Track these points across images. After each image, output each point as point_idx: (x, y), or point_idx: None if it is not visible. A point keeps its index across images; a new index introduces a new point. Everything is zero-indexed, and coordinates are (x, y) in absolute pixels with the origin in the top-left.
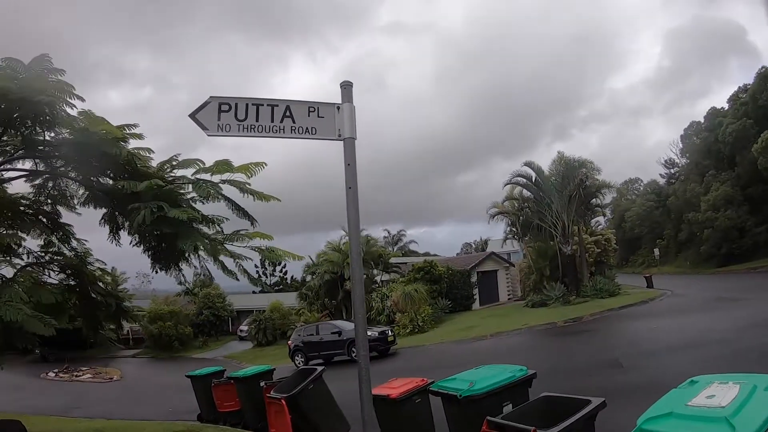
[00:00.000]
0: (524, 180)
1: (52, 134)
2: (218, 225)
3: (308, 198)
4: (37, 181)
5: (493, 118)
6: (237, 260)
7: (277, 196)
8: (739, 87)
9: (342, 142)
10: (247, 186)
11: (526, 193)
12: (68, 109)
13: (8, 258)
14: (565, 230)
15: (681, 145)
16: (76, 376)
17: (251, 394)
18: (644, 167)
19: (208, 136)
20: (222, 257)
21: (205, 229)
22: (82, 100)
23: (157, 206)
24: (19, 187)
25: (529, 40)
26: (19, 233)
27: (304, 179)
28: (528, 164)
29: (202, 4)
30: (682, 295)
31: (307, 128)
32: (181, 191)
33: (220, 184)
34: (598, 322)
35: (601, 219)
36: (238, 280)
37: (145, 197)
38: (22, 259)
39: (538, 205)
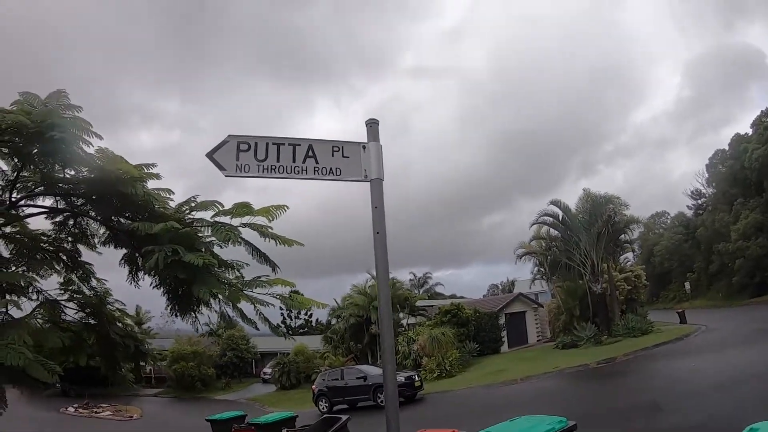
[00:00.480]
0: (551, 219)
1: (72, 172)
2: (238, 270)
3: (334, 240)
4: (57, 219)
5: (518, 158)
6: (257, 308)
7: (302, 239)
8: (762, 111)
9: (368, 183)
10: (269, 230)
11: (553, 232)
12: (85, 147)
13: (18, 298)
14: (594, 268)
15: (707, 175)
16: (96, 412)
17: None
18: (671, 199)
19: (226, 176)
20: (243, 303)
21: (225, 274)
22: (100, 137)
23: (171, 250)
24: (40, 224)
25: (552, 77)
26: (34, 273)
27: (329, 220)
28: (554, 203)
29: (230, 50)
30: (717, 330)
31: (331, 169)
32: (200, 234)
33: (239, 228)
34: (632, 362)
35: (629, 255)
36: (257, 329)
37: (162, 239)
38: (31, 300)
39: (565, 244)
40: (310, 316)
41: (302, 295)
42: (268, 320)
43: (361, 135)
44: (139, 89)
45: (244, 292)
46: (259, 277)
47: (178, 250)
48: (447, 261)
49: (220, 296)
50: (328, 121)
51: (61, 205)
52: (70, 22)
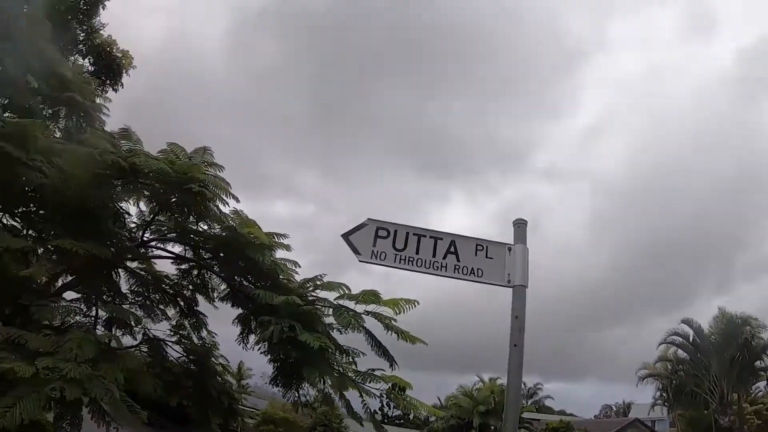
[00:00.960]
0: (680, 339)
1: (204, 226)
2: (352, 358)
3: (446, 335)
4: (183, 267)
5: (648, 268)
6: (365, 400)
7: (415, 328)
8: None
9: (511, 289)
10: (393, 323)
11: (681, 354)
12: (221, 206)
13: (122, 335)
14: (723, 398)
15: None
16: None
17: None
18: None
19: (360, 261)
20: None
21: (338, 358)
22: (237, 200)
23: (289, 326)
24: (165, 267)
25: (689, 182)
26: (146, 314)
27: (445, 312)
28: (686, 321)
29: (373, 137)
30: None
31: (472, 269)
32: (321, 314)
33: (363, 315)
34: None
35: (762, 384)
36: (362, 425)
37: (281, 312)
38: (135, 339)
39: (694, 369)
40: (431, 413)
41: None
42: (374, 416)
43: (493, 232)
44: (282, 161)
45: (357, 383)
46: (374, 370)
47: (295, 327)
48: (560, 373)
49: (329, 381)
50: (463, 213)
51: (188, 254)
52: (226, 87)
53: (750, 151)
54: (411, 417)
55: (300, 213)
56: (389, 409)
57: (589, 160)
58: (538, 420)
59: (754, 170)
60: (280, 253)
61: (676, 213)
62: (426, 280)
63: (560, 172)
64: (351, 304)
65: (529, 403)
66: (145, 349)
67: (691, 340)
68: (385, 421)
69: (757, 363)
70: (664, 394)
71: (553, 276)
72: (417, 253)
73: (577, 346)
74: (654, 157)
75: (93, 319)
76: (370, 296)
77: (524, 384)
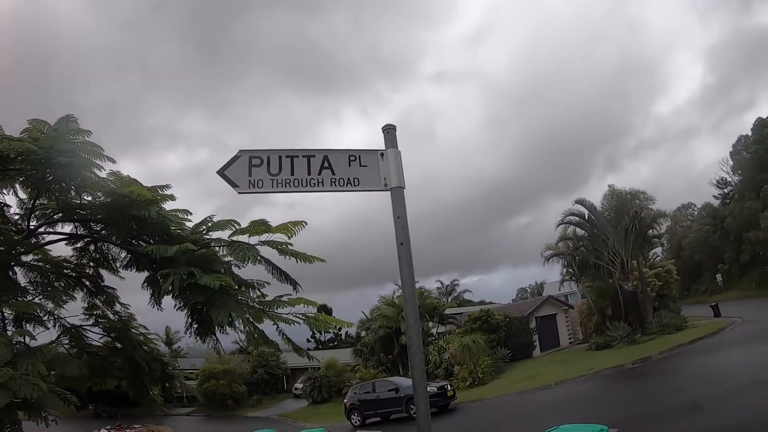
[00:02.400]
0: (577, 218)
1: (88, 197)
2: (259, 290)
3: (360, 252)
4: (78, 245)
5: (544, 159)
6: (279, 328)
7: (329, 253)
8: None
9: (389, 192)
10: (288, 247)
11: (580, 231)
12: (97, 171)
13: (34, 328)
14: (624, 266)
15: (731, 162)
16: None
17: None
18: (698, 190)
19: (239, 193)
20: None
21: (247, 294)
22: (113, 161)
23: (187, 272)
24: (61, 251)
25: (574, 76)
26: (54, 302)
27: (356, 232)
28: (580, 202)
29: (254, 66)
30: (753, 321)
31: (348, 179)
32: (218, 255)
33: (257, 246)
34: (668, 360)
35: (658, 250)
36: (280, 351)
37: (179, 261)
38: (48, 329)
39: (593, 243)
40: (340, 329)
41: (322, 312)
42: (291, 340)
43: (382, 146)
44: (163, 110)
45: (266, 312)
46: (281, 296)
47: (194, 272)
48: (475, 267)
49: (240, 318)
50: (357, 128)
51: (81, 231)
52: (90, 43)
53: (632, 41)
54: (343, 337)
55: (194, 160)
56: (320, 334)
57: (477, 63)
58: (461, 313)
59: (636, 59)
60: (169, 206)
61: (566, 105)
62: (331, 205)
63: (449, 77)
64: (245, 239)
65: (449, 299)
66: (66, 341)
67: (586, 218)
68: (320, 346)
69: (650, 232)
70: (570, 270)
71: (455, 178)
72: (292, 174)
73: (488, 239)
74: (541, 55)
75: (0, 321)
76: (260, 226)
77: (441, 282)
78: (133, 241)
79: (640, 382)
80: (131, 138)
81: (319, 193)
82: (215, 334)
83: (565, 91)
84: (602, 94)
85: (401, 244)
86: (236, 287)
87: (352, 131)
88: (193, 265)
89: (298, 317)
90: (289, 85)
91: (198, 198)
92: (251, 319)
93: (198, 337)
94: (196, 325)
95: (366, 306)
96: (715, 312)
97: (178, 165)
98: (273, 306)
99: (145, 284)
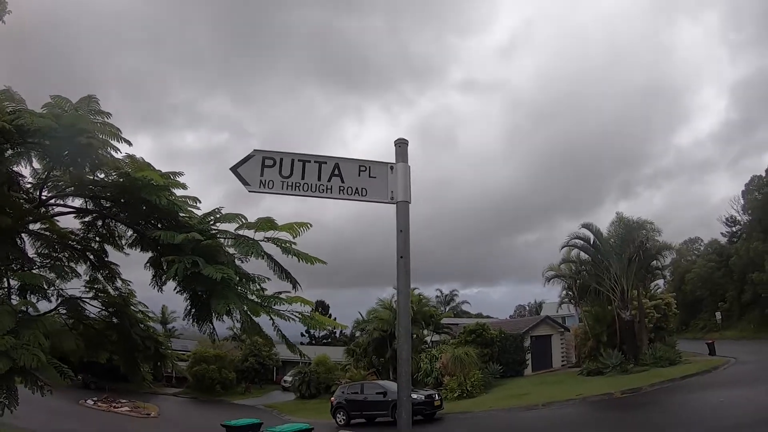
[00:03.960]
0: (582, 242)
1: (101, 175)
2: (259, 284)
3: (364, 251)
4: (86, 219)
5: (559, 176)
6: (275, 324)
7: (333, 249)
8: None
9: (395, 205)
10: (291, 246)
11: (583, 255)
12: (113, 153)
13: (37, 300)
14: (624, 295)
15: (743, 201)
16: (114, 407)
17: None
18: (708, 224)
19: (249, 192)
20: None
21: (247, 286)
22: (129, 144)
23: (191, 262)
24: (69, 223)
25: (597, 96)
26: (58, 274)
27: (361, 231)
28: (586, 226)
29: (284, 56)
30: (747, 363)
31: (356, 189)
32: (223, 247)
33: (261, 242)
34: (658, 393)
35: (660, 282)
36: (274, 346)
37: (184, 249)
38: (50, 302)
39: (596, 269)
40: (334, 328)
41: (319, 309)
42: (285, 336)
43: (409, 145)
44: (188, 89)
45: (263, 306)
46: (279, 293)
47: (198, 262)
48: (476, 278)
49: (238, 310)
50: (379, 128)
51: (90, 206)
52: (119, 16)
53: (659, 68)
54: (337, 335)
55: (213, 142)
56: (315, 330)
57: (505, 74)
58: (456, 324)
59: (661, 87)
60: (180, 192)
61: (586, 125)
62: (340, 203)
63: (476, 86)
64: (251, 234)
65: (447, 309)
66: (63, 311)
67: (591, 242)
68: (313, 342)
69: (654, 263)
70: (570, 293)
71: (469, 187)
72: (303, 178)
73: (493, 252)
74: (568, 72)
75: (5, 290)
76: (266, 223)
77: (441, 291)
78: (141, 222)
79: (626, 413)
80: (152, 113)
81: (327, 199)
82: (212, 322)
83: (588, 111)
84: (624, 117)
85: (401, 257)
86: (237, 279)
87: (373, 129)
88: (197, 255)
89: (294, 315)
90: (316, 79)
91: (212, 180)
92: (248, 312)
93: (195, 324)
94: (194, 312)
95: (364, 306)
96: (711, 350)
97: (197, 145)
98: (271, 301)
99: (148, 264)
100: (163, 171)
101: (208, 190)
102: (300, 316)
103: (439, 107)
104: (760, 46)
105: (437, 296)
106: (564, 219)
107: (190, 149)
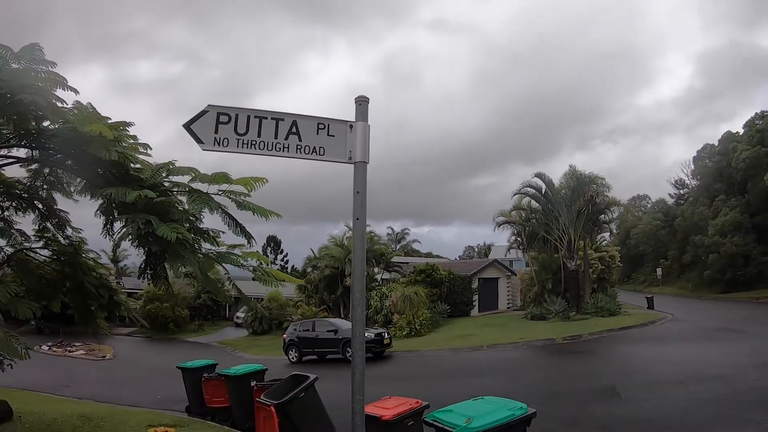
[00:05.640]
0: (533, 191)
1: (47, 123)
2: (214, 239)
3: (319, 188)
4: (33, 167)
5: (519, 124)
6: (230, 278)
7: (284, 185)
8: (756, 113)
9: (352, 165)
10: (245, 200)
11: (534, 204)
12: (59, 104)
13: None
14: (571, 245)
15: (693, 167)
16: (69, 351)
17: (241, 393)
18: (656, 184)
19: (203, 150)
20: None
21: (200, 242)
22: (76, 92)
23: (144, 221)
24: (15, 172)
25: (567, 50)
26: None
27: (316, 169)
28: (539, 175)
29: None
30: (683, 321)
31: (314, 148)
32: (176, 203)
33: (214, 196)
34: (596, 342)
35: (606, 235)
36: (226, 299)
37: (137, 206)
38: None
39: (545, 218)
40: (287, 262)
41: (272, 244)
42: (240, 290)
43: (374, 81)
44: (144, 15)
45: (218, 260)
46: (233, 249)
47: (151, 221)
48: (429, 218)
49: (192, 267)
50: (344, 62)
51: (36, 155)
52: None
53: (628, 30)
54: (290, 271)
55: (168, 72)
56: (267, 266)
57: (476, 17)
58: (407, 263)
59: (630, 46)
60: (130, 141)
61: (552, 77)
62: None
63: (446, 27)
64: (204, 187)
65: (397, 247)
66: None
67: (543, 192)
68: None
69: (602, 217)
70: (519, 239)
71: (429, 127)
72: (259, 135)
73: (447, 193)
74: (540, 24)
75: None
76: (221, 177)
77: (392, 229)
78: (90, 174)
79: (565, 359)
80: (105, 41)
81: (282, 158)
82: (167, 279)
83: (555, 63)
84: (590, 72)
85: (357, 219)
86: (192, 237)
87: (338, 63)
88: (150, 212)
89: (248, 269)
90: (281, 5)
91: (167, 112)
92: (205, 271)
93: (150, 282)
94: (150, 271)
95: (316, 242)
96: (649, 304)
97: (151, 75)
98: (226, 260)
99: (98, 212)
100: (113, 120)
101: (163, 122)
102: (254, 270)
103: (406, 45)
104: (732, 20)
105: (388, 234)
106: (519, 166)
107: (144, 79)
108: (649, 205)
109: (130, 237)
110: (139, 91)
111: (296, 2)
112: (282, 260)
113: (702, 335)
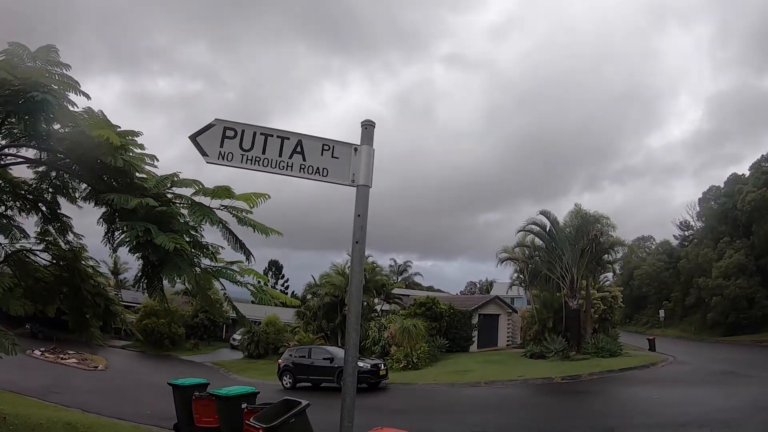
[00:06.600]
0: (538, 228)
1: (57, 125)
2: (213, 254)
3: (326, 215)
4: (39, 169)
5: (529, 161)
6: (226, 295)
7: (289, 211)
8: (762, 155)
9: (354, 188)
10: (247, 216)
11: (538, 241)
12: (70, 107)
13: None
14: (573, 284)
15: (698, 209)
16: (62, 358)
17: (231, 414)
18: (662, 225)
19: (207, 163)
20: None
21: (200, 255)
22: (88, 97)
23: (144, 229)
24: (22, 173)
25: (579, 88)
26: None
27: (322, 197)
28: (544, 213)
29: (269, 7)
30: (685, 363)
31: (317, 168)
32: (178, 214)
33: (216, 210)
34: (596, 383)
35: (609, 275)
36: (222, 319)
37: (138, 214)
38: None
39: (548, 255)
40: (287, 287)
41: (272, 269)
42: (236, 309)
43: (388, 113)
44: (166, 33)
45: (215, 275)
46: (232, 264)
47: (150, 229)
48: (433, 251)
49: (189, 281)
50: (359, 93)
51: (45, 157)
52: None
53: (641, 72)
54: (288, 295)
55: (185, 90)
56: (266, 304)
57: (493, 54)
58: (407, 295)
59: (640, 91)
60: (137, 150)
61: (564, 115)
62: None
63: (461, 63)
64: (207, 201)
65: (399, 279)
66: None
67: (547, 230)
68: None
69: (605, 256)
70: (521, 276)
71: (440, 161)
72: (263, 152)
73: (453, 227)
74: (554, 61)
75: None
76: (224, 191)
77: (395, 261)
78: (95, 179)
79: (564, 399)
80: (126, 55)
81: (286, 176)
82: (163, 291)
83: (567, 102)
84: (601, 112)
85: (357, 242)
86: (190, 249)
87: (354, 94)
88: (151, 221)
89: (246, 287)
90: (300, 35)
91: (180, 127)
92: (200, 283)
93: (146, 292)
94: (146, 280)
95: (318, 269)
96: (651, 345)
97: (168, 92)
98: (222, 275)
99: (101, 220)
100: (122, 129)
101: (175, 138)
102: (252, 288)
103: (421, 79)
104: (742, 65)
105: (391, 265)
106: (528, 203)
107: (161, 95)
108: (653, 246)
109: (128, 243)
110: (155, 106)
111: (315, 32)
112: (283, 285)
113: (704, 378)
